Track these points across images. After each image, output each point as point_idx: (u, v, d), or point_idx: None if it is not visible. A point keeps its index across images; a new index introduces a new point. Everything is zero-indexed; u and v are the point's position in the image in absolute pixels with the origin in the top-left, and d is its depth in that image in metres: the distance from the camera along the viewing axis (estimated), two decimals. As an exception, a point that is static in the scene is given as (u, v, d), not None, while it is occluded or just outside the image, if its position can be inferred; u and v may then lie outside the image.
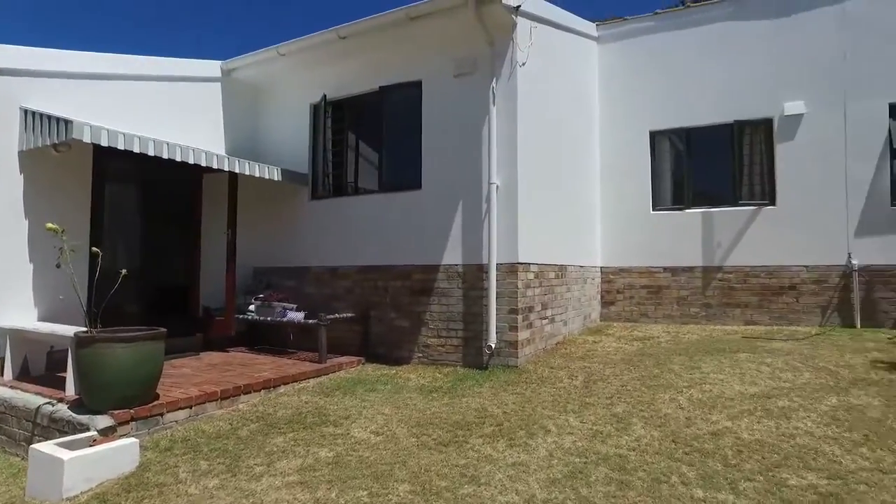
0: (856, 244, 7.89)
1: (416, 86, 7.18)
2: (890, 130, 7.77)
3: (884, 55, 7.86)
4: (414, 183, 7.07)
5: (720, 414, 4.52)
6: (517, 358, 6.24)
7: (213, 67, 8.20)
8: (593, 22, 9.77)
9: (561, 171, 7.94)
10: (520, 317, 6.29)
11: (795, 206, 8.26)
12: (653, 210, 9.26)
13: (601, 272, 9.53)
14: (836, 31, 8.16)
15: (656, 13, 9.57)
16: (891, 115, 7.81)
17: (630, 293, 9.35)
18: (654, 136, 9.36)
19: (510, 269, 6.35)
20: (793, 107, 8.34)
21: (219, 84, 8.30)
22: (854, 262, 7.84)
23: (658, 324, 8.96)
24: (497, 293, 6.31)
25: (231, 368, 6.30)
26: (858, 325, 7.80)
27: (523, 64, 6.56)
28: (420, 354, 6.86)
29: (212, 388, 5.18)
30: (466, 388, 5.68)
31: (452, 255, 6.71)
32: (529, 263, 6.60)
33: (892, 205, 7.75)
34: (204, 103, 8.07)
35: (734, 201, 8.61)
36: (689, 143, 9.16)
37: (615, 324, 9.13)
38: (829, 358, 6.10)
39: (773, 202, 8.45)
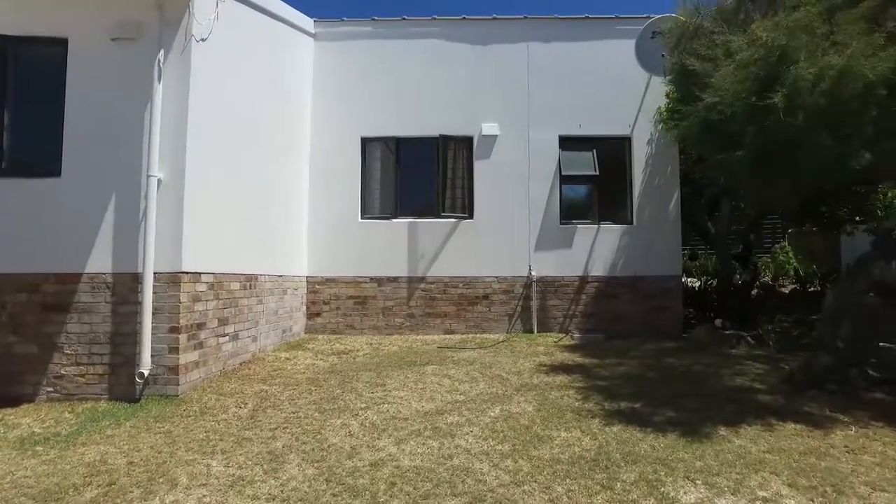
0: (535, 257, 8.74)
1: (61, 44, 5.60)
2: (559, 158, 8.80)
3: (555, 95, 8.91)
4: (51, 168, 5.46)
5: (389, 438, 4.20)
6: (178, 385, 5.18)
7: None
8: (312, 18, 9.21)
9: (255, 171, 7.09)
10: (183, 336, 5.25)
11: (489, 220, 8.83)
12: (361, 218, 9.02)
13: (307, 282, 8.93)
14: (523, 66, 9.00)
15: (374, 19, 9.42)
16: (560, 146, 8.86)
17: (337, 304, 8.93)
18: (366, 143, 9.16)
19: (172, 280, 5.27)
20: (489, 128, 8.92)
21: None
22: (533, 273, 8.66)
23: (364, 335, 8.72)
24: (155, 308, 5.17)
25: None
26: (536, 331, 8.62)
27: (203, 39, 5.59)
28: (50, 389, 5.29)
29: None
30: (96, 431, 4.44)
31: (100, 262, 5.33)
32: (200, 273, 5.60)
33: (562, 223, 8.78)
34: None
35: (438, 213, 8.84)
36: (399, 152, 9.18)
37: (320, 336, 8.60)
38: (505, 365, 6.44)
39: (471, 216, 8.91)
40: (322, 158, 9.03)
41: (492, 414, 4.70)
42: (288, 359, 6.88)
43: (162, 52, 5.38)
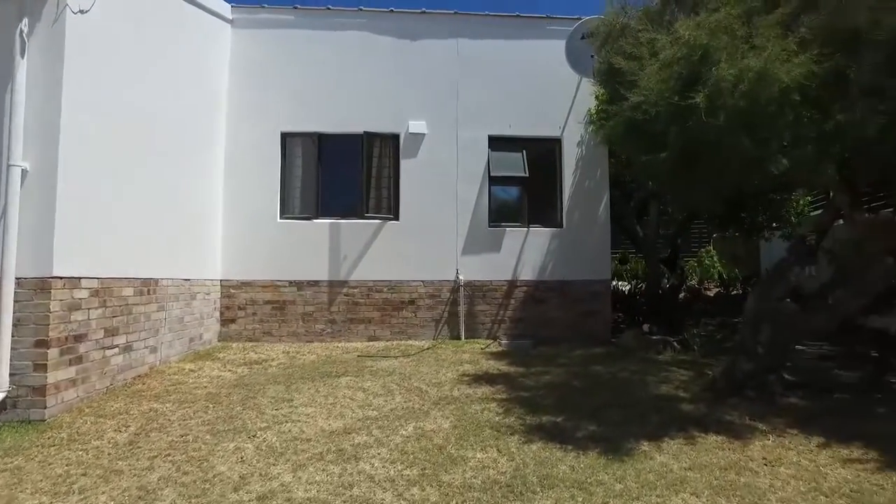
0: (463, 261, 8.44)
1: None
2: (489, 159, 8.55)
3: (485, 94, 8.65)
4: None
5: (286, 464, 3.75)
6: (46, 408, 4.51)
7: None
8: (229, 3, 8.57)
9: (156, 165, 6.42)
10: (54, 350, 4.59)
11: (416, 221, 8.46)
12: (280, 218, 8.45)
13: (221, 286, 8.28)
14: (453, 63, 8.70)
15: (297, 7, 8.88)
16: (490, 146, 8.62)
17: (253, 309, 8.33)
18: (287, 138, 8.60)
19: (40, 286, 4.59)
20: (417, 126, 8.56)
21: None
22: (461, 277, 8.36)
23: (282, 343, 8.16)
24: (17, 320, 4.49)
25: None
26: (463, 338, 8.32)
27: (83, 11, 4.93)
28: None
29: None
30: (-70, 468, 3.76)
31: (-47, 265, 4.60)
32: (80, 277, 4.94)
33: (490, 225, 8.53)
34: None
35: (362, 214, 8.38)
36: (322, 149, 8.67)
37: (234, 345, 7.98)
38: (426, 375, 6.09)
39: (397, 217, 8.52)
40: (239, 154, 8.41)
41: (404, 432, 4.33)
42: (192, 371, 6.27)
43: (26, 20, 4.67)
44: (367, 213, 8.38)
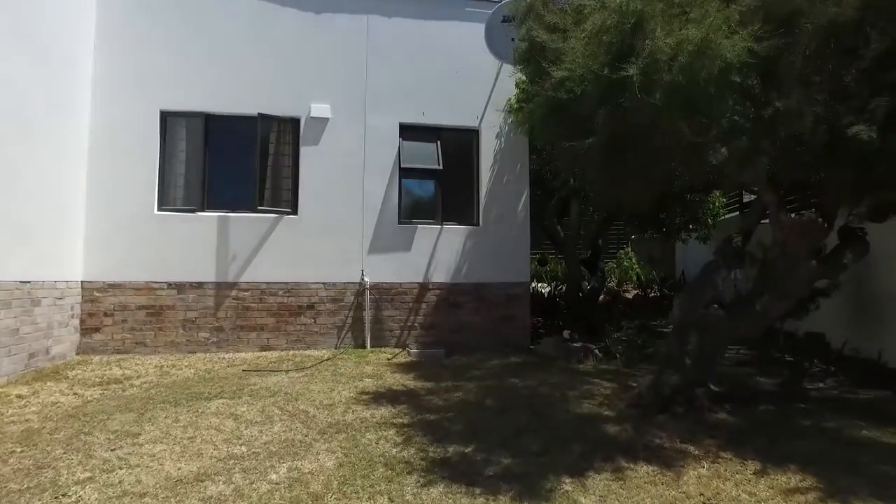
0: (369, 260, 7.59)
1: None
2: (400, 149, 7.75)
3: (397, 77, 7.85)
4: None
5: (98, 534, 2.77)
6: None
7: None
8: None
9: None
10: None
11: (317, 216, 7.52)
12: (158, 210, 7.26)
13: (83, 289, 6.98)
14: (362, 42, 7.83)
15: (183, -31, 7.69)
16: (401, 135, 7.82)
17: (124, 316, 7.08)
18: (167, 118, 7.41)
19: None
20: (320, 109, 7.62)
21: None
22: (367, 279, 7.51)
23: (157, 355, 6.98)
24: None
25: None
26: (369, 346, 7.47)
27: None
28: None
29: None
30: None
31: None
32: None
33: (401, 222, 7.73)
34: None
35: (255, 206, 7.32)
36: (210, 132, 7.53)
37: (96, 358, 6.72)
38: (318, 394, 5.20)
39: (295, 211, 7.54)
40: (108, 134, 7.13)
41: (274, 476, 3.44)
42: (20, 396, 5.04)
43: None
44: (262, 205, 7.35)
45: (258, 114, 7.36)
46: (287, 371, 6.16)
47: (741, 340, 6.95)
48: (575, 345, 7.10)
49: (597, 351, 6.93)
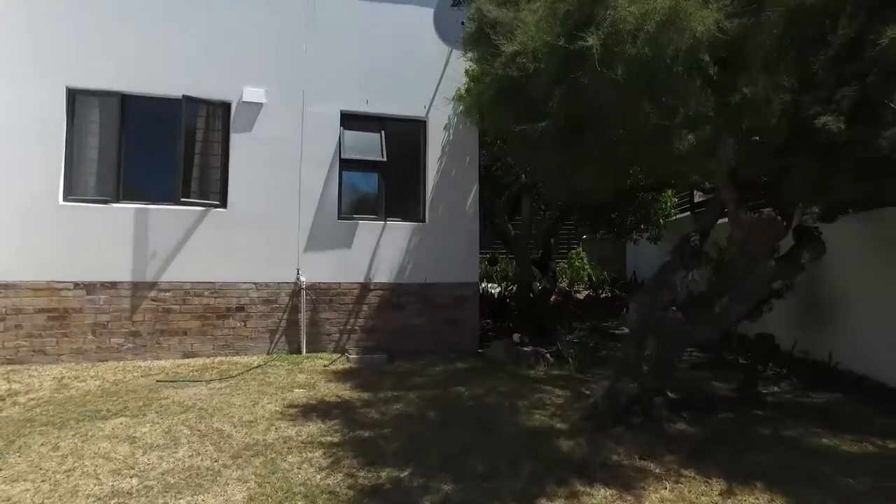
0: (306, 259, 6.98)
1: None
2: (341, 139, 7.17)
3: (339, 62, 7.25)
4: None
5: None
6: None
7: None
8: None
9: None
10: None
11: (248, 210, 6.85)
12: (65, 200, 6.43)
13: (-30, 289, 6.11)
14: (301, 21, 7.20)
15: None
16: (342, 124, 7.24)
17: (18, 321, 6.22)
18: (76, 97, 6.57)
19: None
20: (253, 94, 6.95)
21: None
22: (302, 279, 6.89)
23: (59, 364, 6.17)
24: None
25: None
26: (305, 351, 6.87)
27: None
28: None
29: None
30: None
31: None
32: None
33: (341, 218, 7.16)
34: None
35: (178, 198, 6.58)
36: (127, 114, 6.74)
37: (-16, 369, 5.87)
38: (239, 409, 4.59)
39: (224, 204, 6.85)
40: (3, 115, 6.26)
41: (166, 517, 2.85)
42: None
43: None
44: (186, 197, 6.61)
45: (183, 96, 6.62)
46: (208, 381, 5.50)
47: (697, 343, 6.72)
48: (525, 349, 6.70)
49: (548, 355, 6.55)
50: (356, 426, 4.28)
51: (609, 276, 12.19)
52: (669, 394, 4.70)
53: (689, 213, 10.45)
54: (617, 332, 8.96)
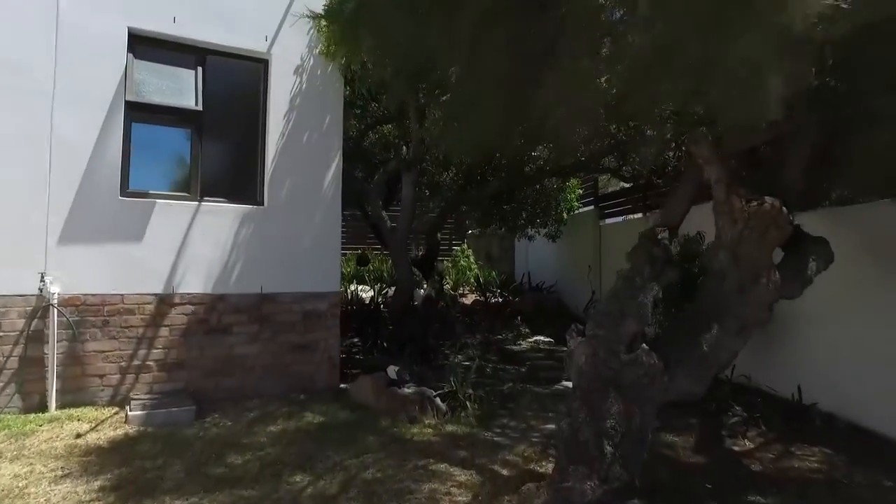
0: (60, 256, 4.39)
1: None
2: (128, 71, 4.65)
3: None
4: None
5: None
6: None
7: None
8: None
9: None
10: None
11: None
12: None
13: None
14: None
15: None
16: (131, 49, 4.72)
17: None
18: None
19: None
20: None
21: None
22: (54, 289, 4.30)
23: None
24: None
25: None
26: (55, 405, 4.28)
27: None
28: None
29: None
30: None
31: None
32: None
33: (125, 193, 4.63)
34: None
35: None
36: None
37: None
38: None
39: None
40: None
41: None
42: None
43: None
44: None
45: None
46: None
47: (674, 400, 5.02)
48: (406, 390, 4.69)
49: (438, 400, 4.59)
50: None
51: (497, 278, 10.58)
52: (636, 481, 2.95)
53: (592, 206, 9.09)
54: (514, 347, 7.31)
